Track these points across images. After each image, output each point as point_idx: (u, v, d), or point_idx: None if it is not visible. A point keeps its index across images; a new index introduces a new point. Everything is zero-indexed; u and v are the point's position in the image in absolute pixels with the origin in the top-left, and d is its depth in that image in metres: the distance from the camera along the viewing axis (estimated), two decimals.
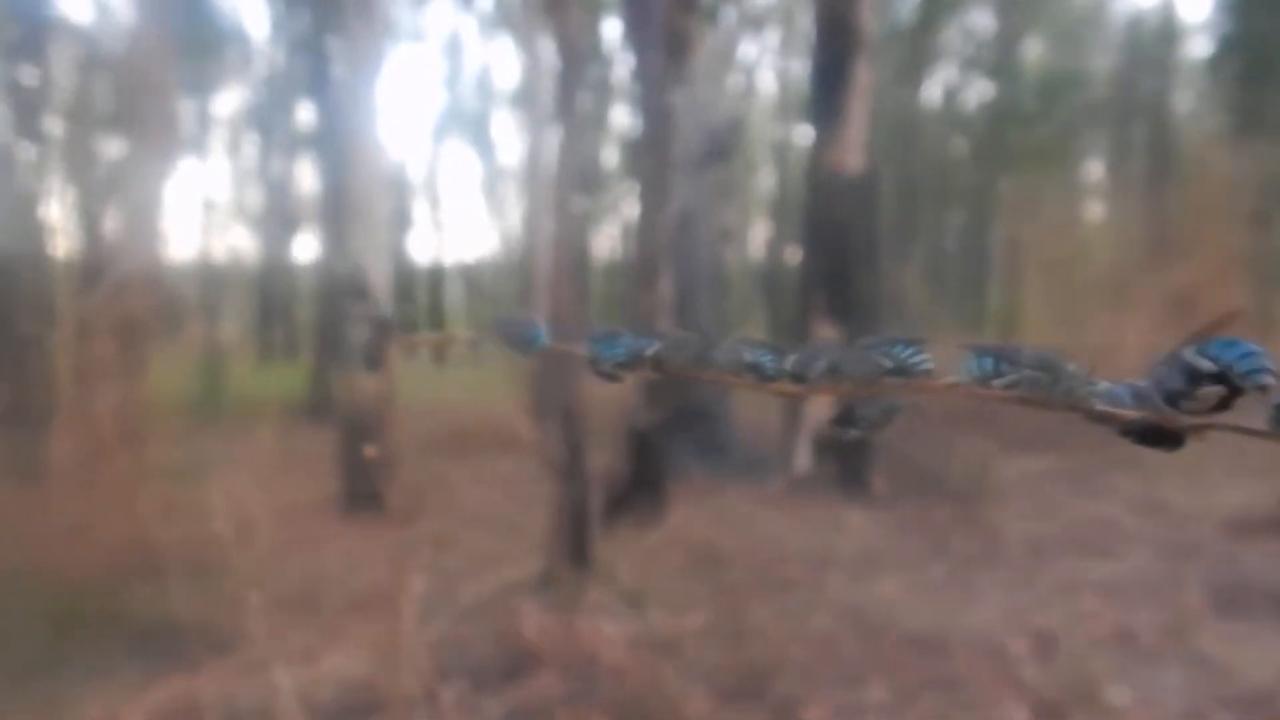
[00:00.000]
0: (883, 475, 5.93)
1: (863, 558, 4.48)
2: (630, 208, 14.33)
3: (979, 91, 14.60)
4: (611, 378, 0.70)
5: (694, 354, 0.67)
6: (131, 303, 4.63)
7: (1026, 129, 13.12)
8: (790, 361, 0.64)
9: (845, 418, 0.65)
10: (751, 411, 7.29)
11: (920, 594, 4.12)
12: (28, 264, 7.39)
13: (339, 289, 5.94)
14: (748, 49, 13.69)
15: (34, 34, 8.12)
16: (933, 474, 5.90)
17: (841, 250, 6.33)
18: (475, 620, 3.67)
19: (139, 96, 5.20)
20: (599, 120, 13.70)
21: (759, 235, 15.40)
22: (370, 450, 4.64)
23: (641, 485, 5.24)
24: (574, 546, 4.29)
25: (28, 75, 8.13)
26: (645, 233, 5.45)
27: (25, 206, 7.76)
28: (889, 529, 5.12)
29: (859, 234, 6.48)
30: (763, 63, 14.78)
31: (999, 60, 13.84)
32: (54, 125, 9.06)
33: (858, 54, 6.26)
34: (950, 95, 14.61)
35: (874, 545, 4.77)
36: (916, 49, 13.52)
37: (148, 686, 3.12)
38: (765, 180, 16.05)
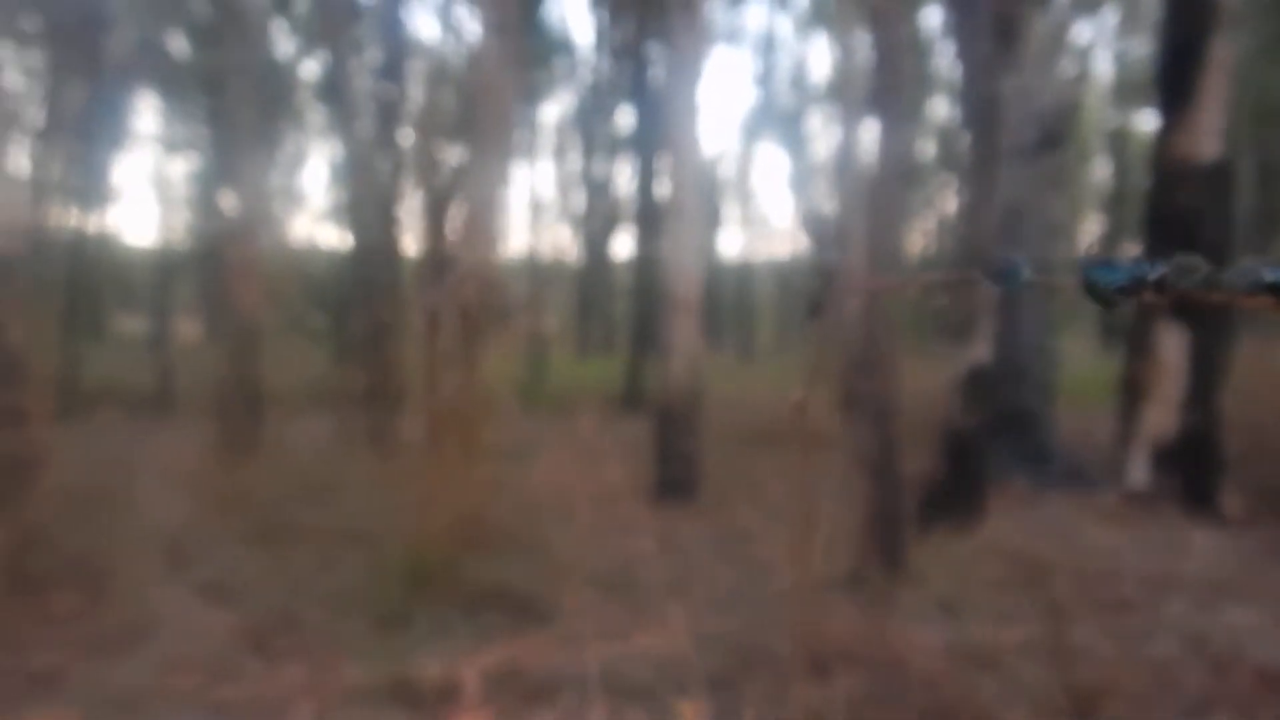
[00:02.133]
0: (1235, 495, 5.36)
1: (1210, 582, 4.09)
2: (946, 201, 13.81)
3: None
4: (1109, 304, 0.67)
5: (1203, 276, 0.62)
6: (473, 296, 5.02)
7: None
8: None
9: None
10: (1076, 419, 6.82)
11: (1278, 627, 3.68)
12: (384, 260, 8.23)
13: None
14: (1081, 30, 12.77)
15: (394, 55, 9.04)
16: None
17: (1189, 245, 5.72)
18: (782, 613, 3.66)
19: (481, 107, 5.62)
20: (914, 111, 13.29)
21: (1091, 229, 14.34)
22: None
23: (958, 489, 5.03)
24: (885, 547, 4.20)
25: (387, 91, 9.05)
26: (969, 227, 5.22)
27: (382, 208, 8.65)
28: (1242, 553, 4.63)
29: (1210, 227, 5.89)
30: (1098, 44, 13.73)
31: None
32: (406, 135, 9.99)
33: (1215, 30, 5.69)
34: None
35: (1223, 570, 4.33)
36: None
37: (479, 649, 3.38)
38: (1099, 171, 14.91)
